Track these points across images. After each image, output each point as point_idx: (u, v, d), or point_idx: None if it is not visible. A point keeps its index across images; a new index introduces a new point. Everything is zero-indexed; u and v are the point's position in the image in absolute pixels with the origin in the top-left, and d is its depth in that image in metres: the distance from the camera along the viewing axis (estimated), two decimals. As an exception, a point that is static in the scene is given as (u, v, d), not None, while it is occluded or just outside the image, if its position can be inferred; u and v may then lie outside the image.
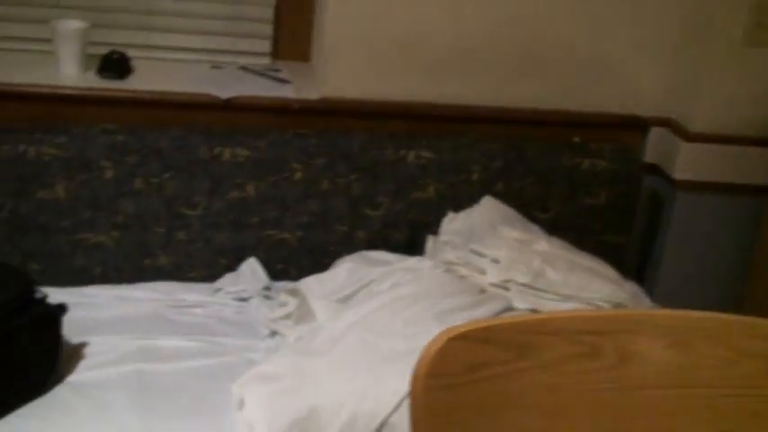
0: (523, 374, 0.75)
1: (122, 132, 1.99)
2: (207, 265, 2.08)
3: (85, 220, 1.99)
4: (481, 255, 2.01)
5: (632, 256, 2.43)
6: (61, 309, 1.67)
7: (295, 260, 2.13)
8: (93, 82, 2.08)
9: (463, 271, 2.00)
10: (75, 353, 1.75)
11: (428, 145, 2.14)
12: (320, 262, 2.12)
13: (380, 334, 1.71)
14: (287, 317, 1.89)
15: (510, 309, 1.89)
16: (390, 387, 1.60)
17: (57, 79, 2.06)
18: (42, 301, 1.65)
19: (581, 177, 2.25)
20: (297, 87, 2.19)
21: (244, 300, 2.01)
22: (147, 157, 1.99)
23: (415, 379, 0.73)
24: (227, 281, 2.06)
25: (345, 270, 2.01)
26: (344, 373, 1.63)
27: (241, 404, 1.63)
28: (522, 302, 1.91)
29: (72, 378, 1.69)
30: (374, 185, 2.12)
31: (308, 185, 2.09)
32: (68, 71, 2.08)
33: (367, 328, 1.72)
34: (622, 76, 2.30)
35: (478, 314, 1.80)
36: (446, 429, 0.71)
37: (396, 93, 2.18)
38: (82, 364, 1.73)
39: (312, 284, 1.98)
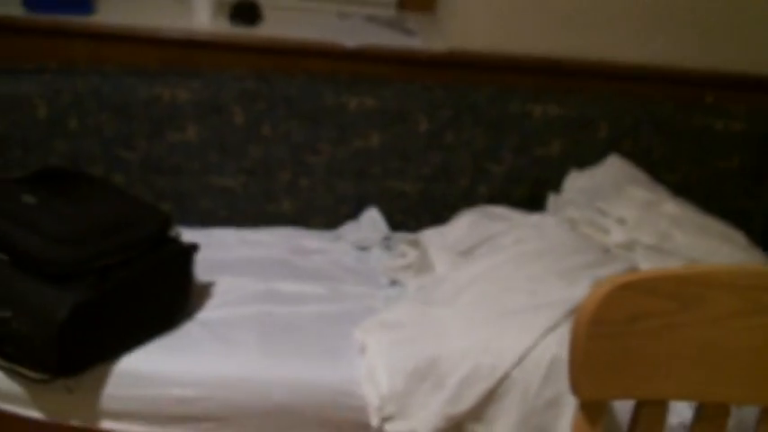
0: (685, 327, 0.73)
1: (252, 78, 2.02)
2: (328, 213, 2.10)
3: (214, 164, 2.04)
4: (606, 214, 1.97)
5: (761, 224, 2.33)
6: (194, 248, 1.72)
7: (415, 212, 2.13)
8: (224, 28, 2.11)
9: (587, 230, 1.96)
10: (204, 291, 1.81)
11: (556, 100, 2.09)
12: (440, 215, 2.11)
13: (504, 288, 1.70)
14: (407, 267, 1.89)
15: (634, 270, 1.85)
16: (513, 341, 1.59)
17: (190, 24, 2.10)
18: (176, 239, 1.70)
19: (713, 139, 2.16)
20: (423, 39, 2.17)
21: (364, 248, 2.03)
22: (275, 104, 2.02)
23: (578, 325, 0.72)
24: (347, 229, 2.08)
25: (466, 224, 2.00)
26: (467, 324, 1.63)
27: (363, 349, 1.65)
28: (647, 264, 1.86)
29: (200, 315, 1.74)
30: (498, 140, 2.10)
31: (432, 138, 2.08)
32: (201, 17, 2.12)
33: (490, 282, 1.71)
34: (761, 35, 2.19)
35: (602, 273, 1.76)
36: (605, 377, 0.70)
37: (524, 46, 2.13)
38: (209, 303, 1.78)
39: (432, 236, 1.98)
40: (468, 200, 2.11)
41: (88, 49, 2.06)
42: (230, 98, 2.00)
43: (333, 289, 1.86)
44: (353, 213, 2.11)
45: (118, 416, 1.62)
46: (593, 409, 0.73)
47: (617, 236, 1.92)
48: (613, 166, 2.12)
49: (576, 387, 0.72)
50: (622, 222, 1.95)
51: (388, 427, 1.59)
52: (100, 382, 1.60)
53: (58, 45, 2.06)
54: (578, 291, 1.69)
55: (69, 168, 1.96)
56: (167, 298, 1.71)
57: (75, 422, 1.64)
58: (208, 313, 1.75)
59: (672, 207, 1.99)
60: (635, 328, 0.72)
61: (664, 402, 0.75)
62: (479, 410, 1.58)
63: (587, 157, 2.13)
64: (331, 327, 1.73)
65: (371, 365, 1.62)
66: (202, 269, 1.80)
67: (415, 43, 2.15)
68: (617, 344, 0.72)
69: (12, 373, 1.60)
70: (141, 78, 1.98)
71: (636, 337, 0.72)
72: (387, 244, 2.02)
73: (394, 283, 1.88)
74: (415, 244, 1.92)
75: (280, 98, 2.02)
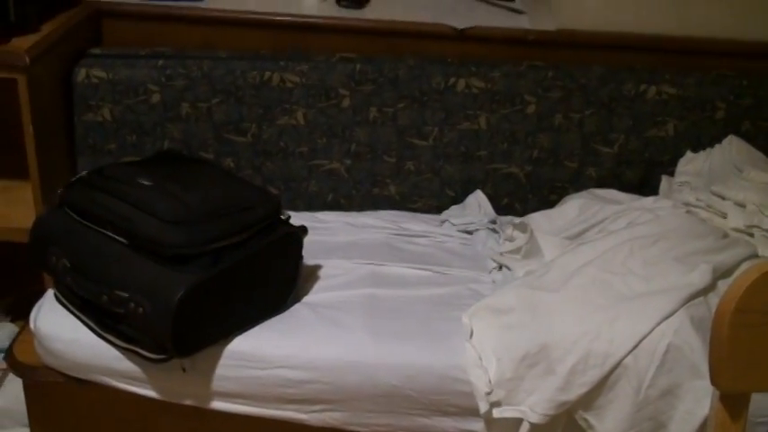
0: (836, 319, 0.67)
1: (360, 61, 2.00)
2: (434, 196, 2.07)
3: (321, 147, 2.04)
4: (723, 197, 1.87)
5: None
6: (303, 230, 1.71)
7: (522, 195, 2.08)
8: (332, 11, 2.10)
9: (703, 214, 1.87)
10: (312, 274, 1.80)
11: (671, 80, 2.00)
12: (547, 198, 2.06)
13: (617, 273, 1.63)
14: (515, 251, 1.84)
15: (755, 256, 1.75)
16: (626, 327, 1.53)
17: (299, 8, 2.10)
18: (287, 221, 1.70)
19: (840, 119, 2.03)
20: (532, 18, 2.11)
21: (469, 232, 1.98)
22: (382, 87, 2.00)
23: (721, 314, 0.67)
24: (453, 212, 2.05)
25: (575, 207, 1.93)
26: (578, 310, 1.58)
27: (470, 333, 1.62)
28: (768, 250, 1.77)
29: (309, 298, 1.74)
30: (609, 121, 2.02)
31: (541, 119, 2.02)
32: (309, 1, 2.12)
33: (602, 267, 1.65)
34: None
35: (721, 259, 1.68)
36: (748, 368, 0.65)
37: (637, 24, 2.04)
38: (317, 285, 1.77)
39: (540, 220, 1.93)
40: (576, 183, 2.05)
41: (200, 35, 2.09)
42: (338, 81, 1.99)
43: (439, 272, 1.82)
44: (459, 197, 2.07)
45: (229, 396, 1.64)
46: (734, 402, 0.68)
47: (735, 220, 1.83)
48: (731, 148, 2.01)
49: (716, 378, 0.67)
50: (741, 206, 1.85)
51: (496, 412, 1.55)
52: (213, 362, 1.61)
53: (171, 32, 2.09)
54: (696, 277, 1.61)
55: (182, 152, 1.99)
56: (278, 280, 1.71)
57: (188, 402, 1.66)
58: (316, 296, 1.74)
59: (795, 190, 1.88)
60: (783, 318, 0.67)
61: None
62: (590, 398, 1.53)
63: (703, 139, 2.04)
64: (437, 310, 1.70)
65: (479, 350, 1.58)
66: (309, 252, 1.79)
67: (524, 23, 2.09)
68: (762, 334, 0.67)
69: (129, 353, 1.63)
70: (251, 63, 1.99)
71: (784, 328, 0.67)
72: (493, 228, 1.98)
73: (501, 267, 1.84)
74: (523, 228, 1.87)
75: (387, 81, 1.99)
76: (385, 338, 1.62)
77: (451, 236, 1.96)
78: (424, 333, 1.64)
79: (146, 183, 1.65)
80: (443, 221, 2.02)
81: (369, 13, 2.10)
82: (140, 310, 1.52)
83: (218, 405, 1.65)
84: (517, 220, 1.96)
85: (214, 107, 2.00)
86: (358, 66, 2.00)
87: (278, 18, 2.07)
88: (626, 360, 1.51)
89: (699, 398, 1.48)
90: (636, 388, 1.50)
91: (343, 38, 2.07)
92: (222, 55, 2.01)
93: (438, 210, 2.07)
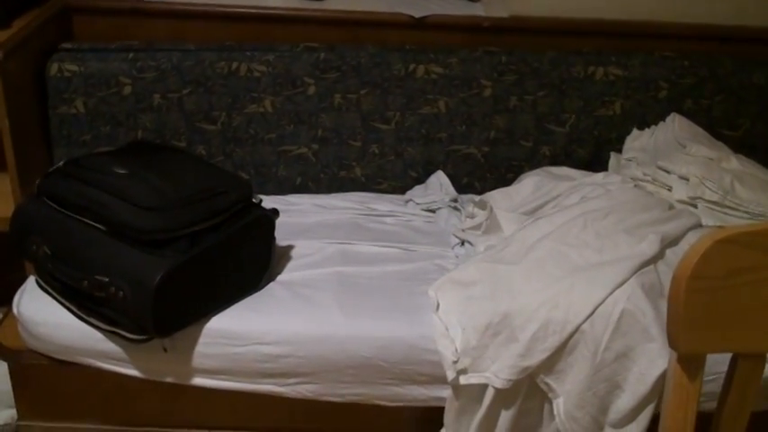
0: (785, 282, 0.68)
1: (323, 50, 1.98)
2: (398, 178, 2.07)
3: (289, 133, 2.02)
4: (668, 171, 1.90)
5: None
6: (275, 213, 1.70)
7: (480, 174, 2.08)
8: (295, 2, 2.07)
9: (650, 187, 1.89)
10: (284, 254, 1.79)
11: (617, 62, 2.01)
12: (504, 177, 2.06)
13: (572, 245, 1.65)
14: (476, 227, 1.85)
15: (699, 226, 1.78)
16: (582, 296, 1.55)
17: (263, 1, 2.07)
18: (259, 205, 1.69)
19: (774, 95, 2.06)
20: (486, 5, 2.10)
21: (432, 211, 1.99)
22: (345, 74, 1.98)
23: (678, 279, 0.67)
24: (416, 192, 2.05)
25: (531, 184, 1.94)
26: (537, 281, 1.59)
27: (437, 306, 1.62)
28: (711, 221, 1.79)
29: (282, 277, 1.73)
30: (560, 102, 2.03)
31: (496, 102, 2.02)
32: (273, -7, 2.10)
33: (558, 240, 1.66)
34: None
35: (668, 229, 1.70)
36: (703, 331, 0.66)
37: (585, 9, 2.05)
38: (290, 265, 1.77)
39: (498, 197, 1.94)
40: (531, 161, 2.06)
41: (168, 28, 2.05)
42: (303, 70, 1.97)
43: (405, 249, 1.83)
44: (422, 177, 2.07)
45: (209, 372, 1.63)
46: (691, 363, 0.69)
47: (679, 192, 1.85)
48: (674, 125, 2.03)
49: (674, 341, 0.68)
50: (685, 179, 1.87)
51: (462, 379, 1.56)
52: (192, 341, 1.60)
53: (141, 25, 2.05)
54: (645, 246, 1.63)
55: (155, 141, 1.96)
56: (252, 261, 1.70)
57: (169, 379, 1.65)
58: (289, 275, 1.73)
59: (734, 163, 1.91)
60: (734, 282, 0.67)
61: (762, 356, 0.71)
62: (551, 363, 1.54)
63: (649, 117, 2.06)
64: (405, 285, 1.70)
65: (446, 322, 1.59)
66: (282, 234, 1.78)
67: (479, 11, 2.09)
68: (716, 298, 0.68)
69: (111, 335, 1.61)
70: (219, 54, 1.96)
71: (735, 291, 0.67)
72: (454, 206, 1.98)
73: (463, 243, 1.84)
74: (483, 205, 1.88)
75: (350, 69, 1.98)
76: (356, 313, 1.62)
77: (416, 215, 1.96)
78: (393, 307, 1.64)
79: (121, 171, 1.63)
80: (408, 201, 2.02)
81: (330, 4, 2.08)
82: (121, 293, 1.51)
83: (198, 381, 1.64)
84: (477, 198, 1.97)
85: (184, 97, 1.97)
86: (322, 55, 1.98)
87: (243, 10, 2.04)
88: (583, 326, 1.52)
89: (652, 359, 1.51)
90: (593, 352, 1.52)
91: (307, 28, 2.05)
92: (191, 47, 1.98)
93: (402, 190, 2.07)
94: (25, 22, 1.82)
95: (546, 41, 2.05)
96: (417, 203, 2.00)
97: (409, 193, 2.05)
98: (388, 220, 1.94)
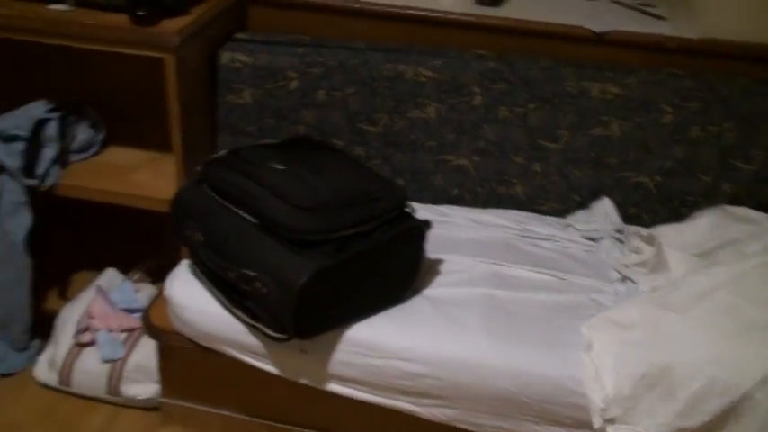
0: None
1: (494, 59, 1.89)
2: (560, 200, 1.94)
3: (450, 142, 1.94)
4: None
5: None
6: (427, 225, 1.63)
7: (650, 206, 1.92)
8: (469, 8, 1.99)
9: None
10: (432, 267, 1.72)
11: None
12: (677, 211, 1.90)
13: (749, 300, 1.48)
14: (641, 264, 1.71)
15: None
16: (756, 358, 1.39)
17: (436, 3, 2.00)
18: (412, 215, 1.62)
19: None
20: (673, 24, 1.94)
21: (593, 239, 1.85)
22: (514, 86, 1.88)
23: None
24: (578, 218, 1.92)
25: (707, 223, 1.78)
26: (705, 334, 1.44)
27: (589, 346, 1.50)
28: None
29: (428, 291, 1.66)
30: (749, 137, 1.84)
31: (676, 130, 1.85)
32: (448, -3, 2.02)
33: (734, 291, 1.50)
34: None
35: None
36: None
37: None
38: (438, 280, 1.69)
39: (669, 234, 1.78)
40: (710, 198, 1.88)
41: (339, 25, 2.02)
42: (471, 78, 1.89)
43: (560, 278, 1.71)
44: (586, 202, 1.94)
45: (344, 380, 1.59)
46: None
47: None
48: None
49: None
50: None
51: (610, 429, 1.44)
52: (331, 346, 1.57)
53: (312, 21, 2.03)
54: (838, 310, 1.44)
55: (315, 138, 1.94)
56: (399, 272, 1.64)
57: (304, 381, 1.63)
58: (435, 290, 1.66)
59: None
60: None
61: None
62: (713, 428, 1.39)
63: None
64: (557, 317, 1.60)
65: (597, 364, 1.47)
66: (432, 246, 1.71)
67: (665, 29, 1.92)
68: None
69: (253, 329, 1.61)
70: (386, 55, 1.91)
71: None
72: (618, 237, 1.84)
73: (624, 278, 1.70)
74: (650, 240, 1.73)
75: (520, 81, 1.88)
76: (501, 341, 1.53)
77: (575, 241, 1.83)
78: (542, 339, 1.54)
79: (279, 167, 1.62)
80: (568, 226, 1.89)
81: (505, 12, 1.98)
82: (265, 290, 1.49)
83: (332, 387, 1.61)
84: (645, 231, 1.82)
85: (349, 96, 1.94)
86: (491, 64, 1.89)
87: (415, 12, 1.97)
88: (756, 394, 1.36)
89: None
90: (763, 425, 1.35)
91: (478, 35, 1.95)
92: (359, 46, 1.94)
93: (563, 214, 1.94)
94: (203, 11, 1.84)
95: (739, 68, 1.86)
96: (578, 230, 1.87)
97: (570, 218, 1.92)
98: (545, 244, 1.82)
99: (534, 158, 1.92)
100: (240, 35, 1.98)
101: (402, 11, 1.98)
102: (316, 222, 1.51)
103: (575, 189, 1.93)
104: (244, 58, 1.93)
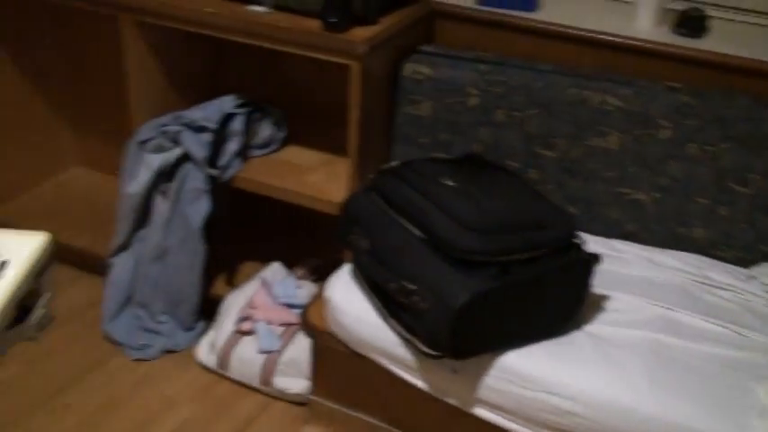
0: None
1: (687, 93, 1.79)
2: (745, 249, 1.80)
3: (630, 175, 1.85)
4: None
5: None
6: (596, 259, 1.56)
7: None
8: (665, 37, 1.89)
9: None
10: (597, 303, 1.65)
11: None
12: None
13: None
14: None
15: None
16: None
17: (630, 30, 1.92)
18: (581, 246, 1.56)
19: None
20: None
21: (780, 295, 1.71)
22: (707, 123, 1.77)
23: None
24: (764, 270, 1.77)
25: None
26: None
27: (763, 412, 1.38)
28: None
29: (590, 328, 1.59)
30: None
31: None
32: (643, 24, 1.93)
33: None
34: None
35: None
36: None
37: None
38: (601, 317, 1.62)
39: None
40: None
41: (524, 44, 1.98)
42: (660, 111, 1.79)
43: (737, 332, 1.59)
44: (774, 254, 1.80)
45: (491, 406, 1.56)
46: None
47: None
48: None
49: None
50: None
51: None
52: (483, 370, 1.54)
53: (498, 38, 2.01)
54: None
55: (489, 158, 1.91)
56: (561, 303, 1.58)
57: (451, 401, 1.61)
58: (597, 328, 1.59)
59: None
60: None
61: None
62: None
63: None
64: (729, 374, 1.48)
65: (773, 433, 1.34)
66: (599, 281, 1.64)
67: None
68: None
69: (406, 342, 1.60)
70: (573, 80, 1.86)
71: None
72: (810, 296, 1.69)
73: (811, 342, 1.56)
74: None
75: (714, 118, 1.76)
76: (664, 390, 1.44)
77: (759, 295, 1.70)
78: (709, 396, 1.43)
79: (449, 183, 1.61)
80: (752, 278, 1.75)
81: (705, 44, 1.87)
82: (423, 305, 1.49)
83: (478, 411, 1.59)
84: None
85: (527, 118, 1.90)
86: (684, 98, 1.78)
87: (607, 37, 1.90)
88: None
89: None
90: None
91: (673, 66, 1.86)
92: (544, 68, 1.90)
93: (747, 264, 1.80)
94: (391, 22, 1.87)
95: None
96: (764, 284, 1.72)
97: (755, 270, 1.78)
98: (723, 293, 1.70)
99: (720, 201, 1.79)
100: (425, 48, 1.99)
101: (596, 35, 1.92)
102: (481, 243, 1.49)
103: (763, 238, 1.78)
104: (426, 70, 1.94)
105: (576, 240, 1.57)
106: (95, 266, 2.29)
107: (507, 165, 1.91)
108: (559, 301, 1.58)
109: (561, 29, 1.95)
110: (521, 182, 1.71)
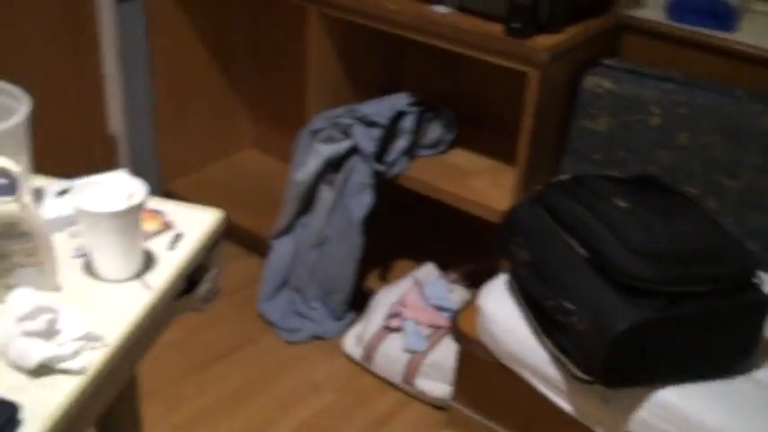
0: None
1: None
2: None
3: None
4: None
5: None
6: (774, 302, 1.45)
7: None
8: None
9: None
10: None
11: None
12: None
13: None
14: None
15: None
16: None
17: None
18: (759, 286, 1.45)
19: None
20: None
21: None
22: None
23: None
24: None
25: None
26: None
27: None
28: None
29: (759, 374, 1.48)
30: None
31: None
32: None
33: None
34: None
35: None
36: None
37: None
38: (774, 365, 1.51)
39: None
40: None
41: (717, 65, 1.87)
42: None
43: None
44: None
45: (642, 441, 1.48)
46: None
47: None
48: None
49: None
50: None
51: None
52: (636, 402, 1.46)
53: (688, 57, 1.91)
54: None
55: (665, 181, 1.82)
56: (730, 345, 1.48)
57: (598, 429, 1.54)
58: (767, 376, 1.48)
59: None
60: None
61: None
62: None
63: None
64: None
65: None
66: (774, 324, 1.52)
67: None
68: None
69: (557, 362, 1.55)
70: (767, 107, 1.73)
71: None
72: None
73: None
74: None
75: None
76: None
77: None
78: None
79: (621, 204, 1.54)
80: None
81: None
82: (580, 326, 1.44)
83: (626, 445, 1.50)
84: None
85: (712, 144, 1.78)
86: None
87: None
88: None
89: None
90: None
91: None
92: (736, 93, 1.78)
93: None
94: (576, 32, 1.81)
95: None
96: None
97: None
98: None
99: None
100: (608, 61, 1.92)
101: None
102: (650, 270, 1.42)
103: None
104: (608, 84, 1.87)
105: (753, 279, 1.46)
106: (257, 246, 2.38)
107: (685, 191, 1.81)
108: (728, 343, 1.48)
109: (761, 52, 1.82)
110: (698, 210, 1.61)
